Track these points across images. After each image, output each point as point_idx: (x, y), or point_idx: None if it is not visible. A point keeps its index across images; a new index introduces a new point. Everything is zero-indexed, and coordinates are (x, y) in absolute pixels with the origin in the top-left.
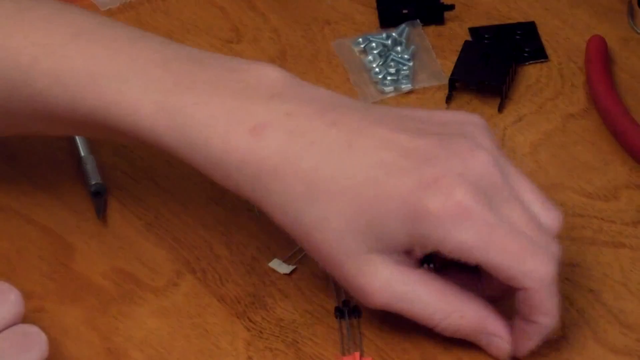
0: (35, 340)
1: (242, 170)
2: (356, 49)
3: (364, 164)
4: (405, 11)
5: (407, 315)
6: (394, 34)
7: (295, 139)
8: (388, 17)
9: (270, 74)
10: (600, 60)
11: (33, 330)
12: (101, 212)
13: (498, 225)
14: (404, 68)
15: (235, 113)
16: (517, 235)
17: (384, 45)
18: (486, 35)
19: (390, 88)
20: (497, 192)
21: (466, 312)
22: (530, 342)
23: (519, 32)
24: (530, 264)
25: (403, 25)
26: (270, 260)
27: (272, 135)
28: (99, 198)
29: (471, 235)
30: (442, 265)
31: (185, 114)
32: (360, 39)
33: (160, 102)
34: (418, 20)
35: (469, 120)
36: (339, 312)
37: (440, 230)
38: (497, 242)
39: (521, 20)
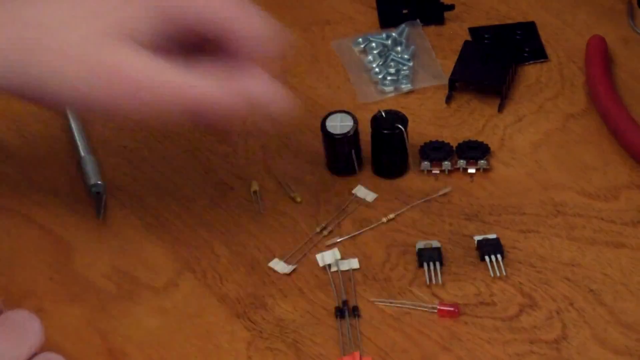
0: None
1: None
2: (356, 49)
3: None
4: (405, 11)
5: None
6: (394, 34)
7: None
8: (388, 17)
9: None
10: (600, 60)
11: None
12: (101, 212)
13: None
14: (404, 68)
15: None
16: None
17: (384, 45)
18: (486, 35)
19: (390, 88)
20: None
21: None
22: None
23: (518, 32)
24: None
25: (403, 25)
26: (270, 260)
27: None
28: (98, 198)
29: None
30: None
31: None
32: (360, 39)
33: None
34: (418, 20)
35: None
36: (339, 312)
37: None
38: None
39: (521, 20)
